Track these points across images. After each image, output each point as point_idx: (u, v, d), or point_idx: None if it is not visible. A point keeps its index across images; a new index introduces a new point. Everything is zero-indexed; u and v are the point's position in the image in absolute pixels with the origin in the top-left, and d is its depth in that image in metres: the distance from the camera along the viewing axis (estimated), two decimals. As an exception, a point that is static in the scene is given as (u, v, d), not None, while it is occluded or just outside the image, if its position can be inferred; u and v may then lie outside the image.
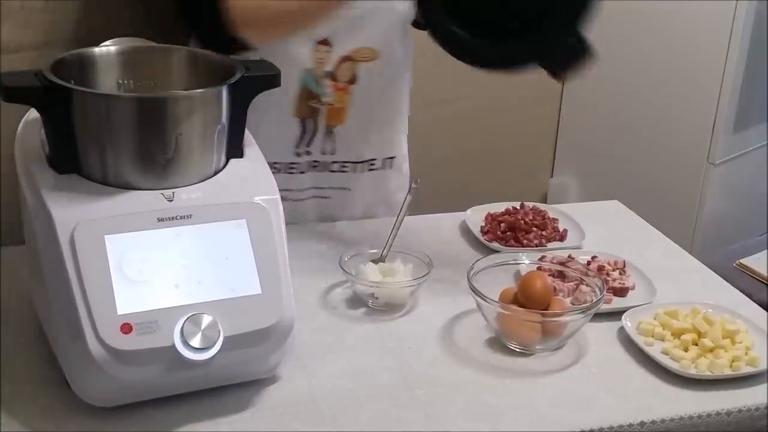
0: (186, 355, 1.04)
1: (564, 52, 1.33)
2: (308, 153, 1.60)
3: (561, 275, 1.39)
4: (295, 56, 1.49)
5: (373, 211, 1.68)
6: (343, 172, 1.63)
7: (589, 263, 1.46)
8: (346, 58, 1.53)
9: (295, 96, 1.55)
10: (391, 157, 1.67)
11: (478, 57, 1.40)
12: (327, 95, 1.55)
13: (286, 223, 1.53)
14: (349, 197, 1.65)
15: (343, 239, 1.55)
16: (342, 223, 1.63)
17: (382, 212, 1.68)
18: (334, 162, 1.62)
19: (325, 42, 1.51)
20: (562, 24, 1.34)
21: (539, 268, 1.39)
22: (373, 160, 1.65)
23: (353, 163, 1.63)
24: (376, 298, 1.34)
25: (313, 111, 1.57)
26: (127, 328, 1.02)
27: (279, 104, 1.54)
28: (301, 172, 1.62)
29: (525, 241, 1.55)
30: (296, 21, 1.42)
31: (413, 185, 1.47)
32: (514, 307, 1.25)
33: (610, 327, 1.33)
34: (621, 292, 1.40)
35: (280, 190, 1.47)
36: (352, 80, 1.55)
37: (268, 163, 1.49)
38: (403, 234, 1.43)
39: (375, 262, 1.39)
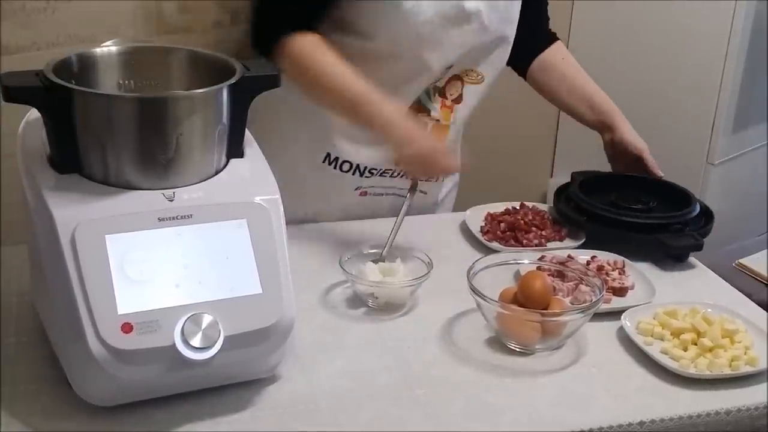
0: (186, 355, 1.04)
1: (683, 247, 1.54)
2: None
3: (561, 275, 1.39)
4: (427, 73, 1.55)
5: (427, 211, 1.77)
6: (427, 180, 1.71)
7: (588, 263, 1.46)
8: (456, 77, 1.59)
9: (409, 109, 1.60)
10: None
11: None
12: (436, 111, 1.62)
13: (305, 221, 1.60)
14: (421, 198, 1.68)
15: (344, 239, 1.55)
16: (342, 223, 1.64)
17: (432, 211, 1.79)
18: None
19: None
20: (690, 235, 1.55)
21: (539, 268, 1.39)
22: None
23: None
24: (376, 298, 1.34)
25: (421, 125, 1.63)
26: (127, 328, 1.02)
27: None
28: (392, 176, 1.69)
29: (525, 241, 1.56)
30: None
31: (417, 188, 1.48)
32: (514, 306, 1.25)
33: (609, 327, 1.33)
34: (620, 291, 1.41)
35: (366, 186, 1.63)
36: (458, 100, 1.61)
37: (366, 168, 1.63)
38: (403, 234, 1.44)
39: (375, 261, 1.39)
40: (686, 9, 2.52)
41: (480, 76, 1.63)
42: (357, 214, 1.68)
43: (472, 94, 1.64)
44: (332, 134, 1.62)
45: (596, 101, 1.73)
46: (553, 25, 2.86)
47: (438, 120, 1.65)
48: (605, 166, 1.81)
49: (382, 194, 1.72)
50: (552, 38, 1.79)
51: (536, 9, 1.73)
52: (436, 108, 1.63)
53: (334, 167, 1.65)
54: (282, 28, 1.48)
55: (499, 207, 1.67)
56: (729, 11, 2.42)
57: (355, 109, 1.43)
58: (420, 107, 1.63)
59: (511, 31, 1.63)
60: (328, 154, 1.63)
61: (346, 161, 1.64)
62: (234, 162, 1.18)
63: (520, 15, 1.63)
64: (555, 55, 1.77)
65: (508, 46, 1.64)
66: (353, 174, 1.66)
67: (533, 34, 1.73)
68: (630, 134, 1.71)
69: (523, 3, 1.63)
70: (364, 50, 1.53)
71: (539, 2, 1.76)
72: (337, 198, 1.68)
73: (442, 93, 1.62)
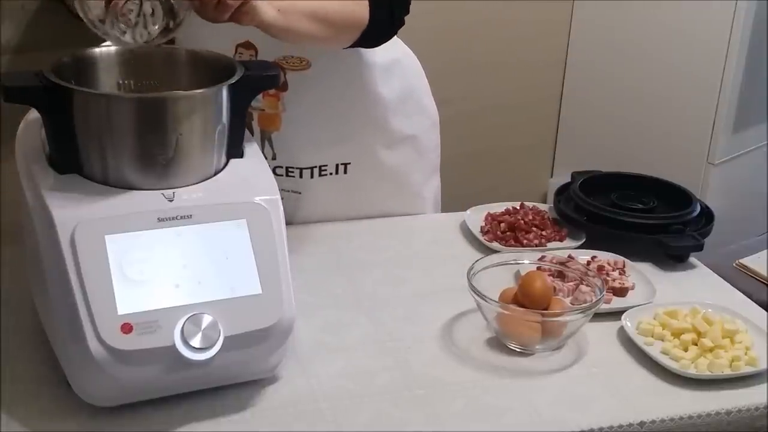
0: (186, 355, 1.04)
1: (684, 247, 1.55)
2: None
3: (561, 275, 1.39)
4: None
5: (334, 214, 1.63)
6: (290, 176, 1.59)
7: (589, 263, 1.46)
8: (274, 65, 1.46)
9: None
10: (346, 163, 1.61)
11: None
12: (257, 101, 1.51)
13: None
14: (302, 200, 1.60)
15: (343, 239, 1.55)
16: (343, 223, 1.63)
17: (351, 214, 1.64)
18: (277, 167, 1.57)
19: (247, 45, 1.48)
20: (690, 236, 1.56)
21: (539, 268, 1.39)
22: (324, 165, 1.59)
23: (298, 168, 1.58)
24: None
25: None
26: (127, 328, 1.02)
27: None
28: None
29: (525, 241, 1.56)
30: None
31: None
32: (514, 307, 1.25)
33: (609, 327, 1.33)
34: (621, 291, 1.41)
35: None
36: (283, 87, 1.51)
37: None
38: (402, 234, 1.43)
39: None
40: (686, 9, 2.52)
41: (304, 62, 1.52)
42: None
43: (299, 80, 1.53)
44: None
45: None
46: (554, 25, 2.86)
47: (263, 110, 1.54)
48: (605, 166, 1.81)
49: None
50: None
51: None
52: (258, 98, 1.49)
53: None
54: None
55: (499, 207, 1.67)
56: (729, 11, 2.42)
57: None
58: None
59: None
60: None
61: None
62: (234, 162, 1.18)
63: None
64: None
65: None
66: None
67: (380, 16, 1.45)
68: None
69: None
70: None
71: None
72: None
73: None
